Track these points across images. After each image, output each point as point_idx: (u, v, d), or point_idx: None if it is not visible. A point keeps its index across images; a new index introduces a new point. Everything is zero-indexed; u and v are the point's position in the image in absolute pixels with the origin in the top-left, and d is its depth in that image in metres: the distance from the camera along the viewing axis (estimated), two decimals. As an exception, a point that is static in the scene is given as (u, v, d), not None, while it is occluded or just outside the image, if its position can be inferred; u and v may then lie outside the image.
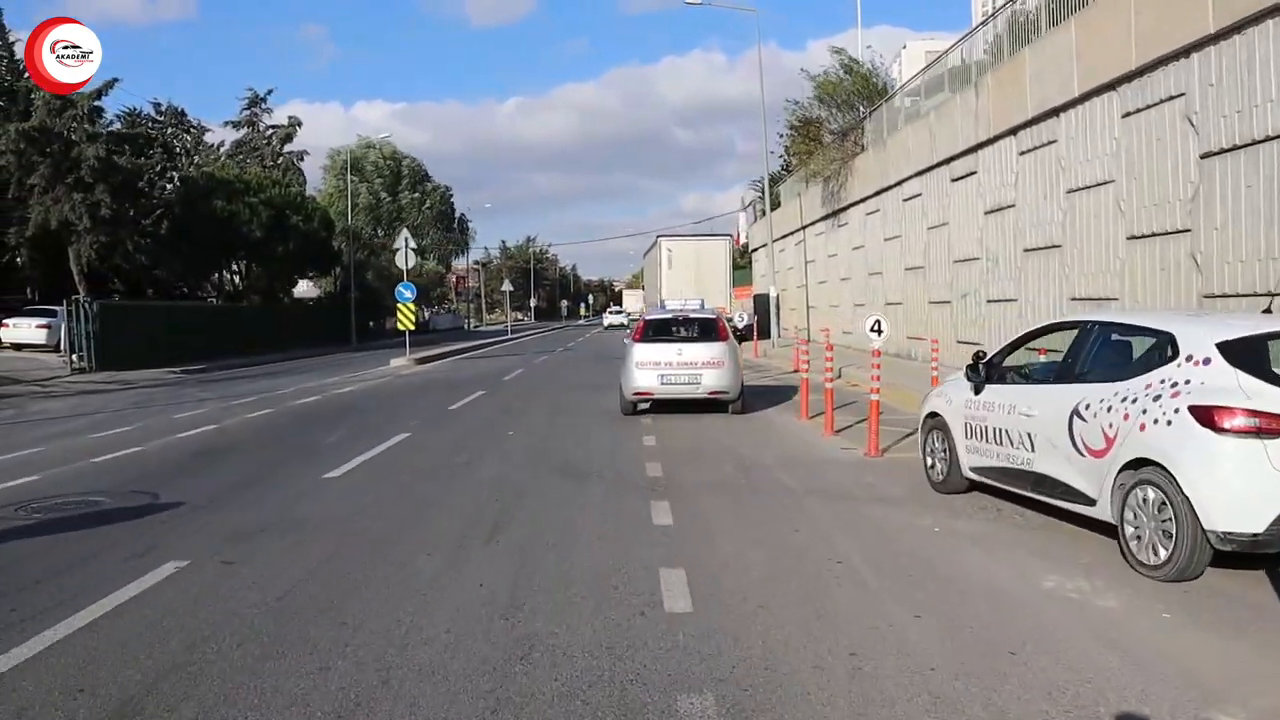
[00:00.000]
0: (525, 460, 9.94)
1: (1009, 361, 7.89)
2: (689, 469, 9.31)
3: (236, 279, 46.42)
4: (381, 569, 5.78)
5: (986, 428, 7.19)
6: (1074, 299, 14.48)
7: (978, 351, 7.46)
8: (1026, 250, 16.14)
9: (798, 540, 6.41)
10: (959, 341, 19.37)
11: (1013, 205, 16.64)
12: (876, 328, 10.19)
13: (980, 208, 18.08)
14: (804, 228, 34.56)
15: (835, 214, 29.54)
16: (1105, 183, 13.41)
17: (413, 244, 28.12)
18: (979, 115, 17.64)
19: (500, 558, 5.99)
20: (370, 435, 11.90)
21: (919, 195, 21.77)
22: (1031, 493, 6.64)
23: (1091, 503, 5.95)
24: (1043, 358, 9.91)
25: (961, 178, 19.01)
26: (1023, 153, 16.10)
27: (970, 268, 18.78)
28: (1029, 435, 6.60)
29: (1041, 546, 6.17)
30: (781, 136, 48.39)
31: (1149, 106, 12.16)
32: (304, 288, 63.02)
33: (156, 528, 6.99)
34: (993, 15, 17.59)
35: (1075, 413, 6.10)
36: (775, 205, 35.07)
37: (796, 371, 22.69)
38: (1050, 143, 15.02)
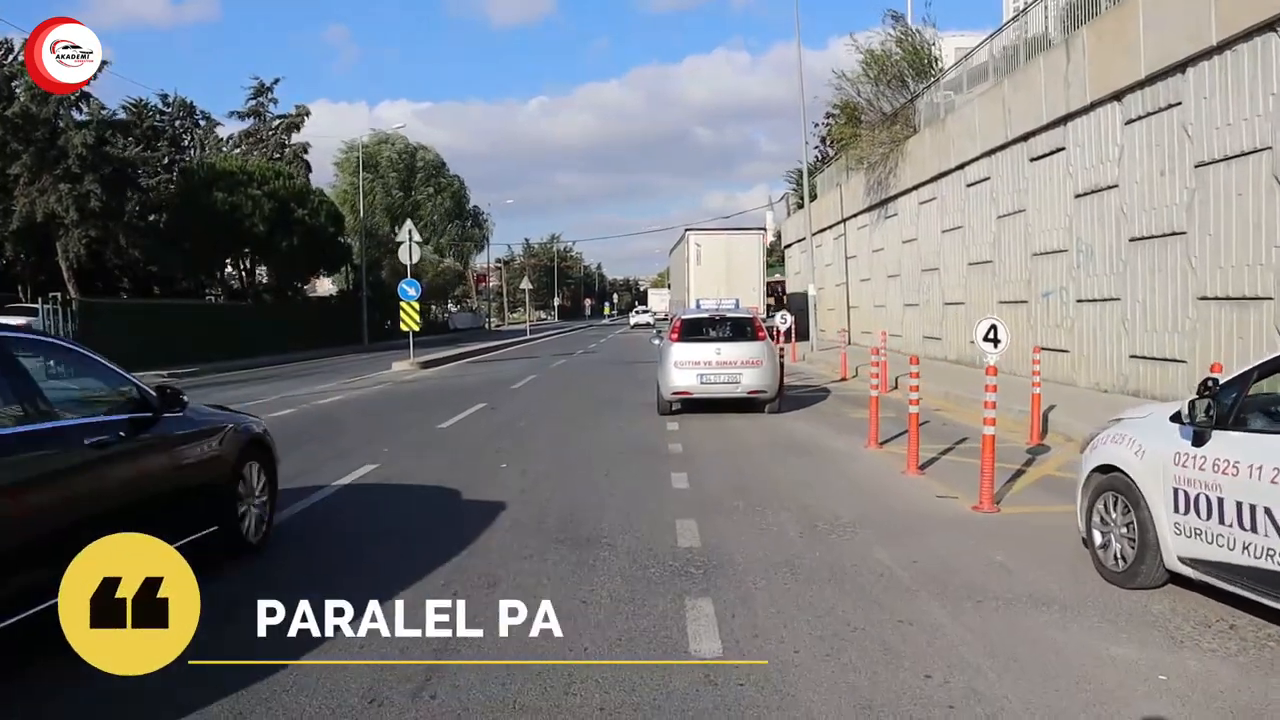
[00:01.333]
0: (513, 514, 7.38)
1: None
2: (736, 530, 6.73)
3: (246, 275, 44.44)
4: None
5: (1221, 500, 4.53)
6: (1203, 298, 11.73)
7: (1207, 379, 4.75)
8: (1134, 240, 13.37)
9: (939, 703, 3.80)
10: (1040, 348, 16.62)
11: (1114, 186, 13.87)
12: (992, 336, 7.48)
13: (1069, 190, 15.31)
14: (844, 220, 31.80)
15: (882, 204, 26.75)
16: (1255, 151, 10.65)
17: (417, 237, 25.68)
18: (1070, 80, 14.86)
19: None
20: (325, 469, 9.40)
21: (987, 179, 18.99)
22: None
23: None
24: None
25: (1044, 156, 16.24)
26: (1130, 121, 13.33)
27: (1054, 261, 16.01)
28: (1323, 523, 3.94)
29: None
30: (817, 126, 45.74)
31: (1330, 48, 9.41)
32: (327, 285, 60.99)
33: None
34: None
35: None
36: (812, 197, 32.30)
37: (843, 380, 20.07)
38: (1172, 106, 12.25)
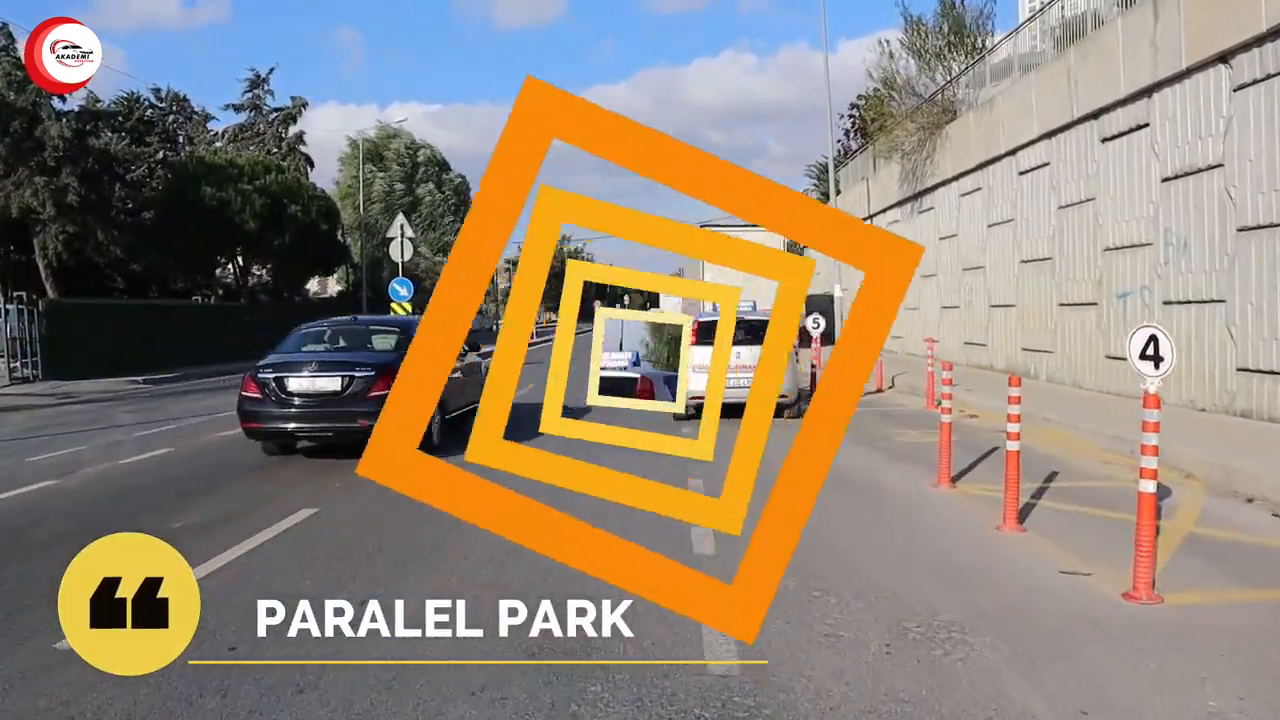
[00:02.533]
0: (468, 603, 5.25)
1: None
2: (790, 635, 4.61)
3: (240, 275, 42.59)
4: None
5: None
6: (1347, 299, 9.53)
7: None
8: (1244, 229, 11.16)
9: None
10: (1109, 357, 14.48)
11: (1217, 165, 11.67)
12: (1153, 352, 5.31)
13: (1154, 173, 13.10)
14: (872, 217, 29.57)
15: (916, 197, 24.55)
16: None
17: (409, 232, 23.65)
18: (1159, 43, 12.66)
19: None
20: (262, 509, 7.33)
21: (1045, 165, 16.79)
22: None
23: None
24: None
25: (1121, 135, 14.03)
26: (1241, 87, 11.12)
27: (1134, 257, 13.80)
28: None
29: None
30: (842, 117, 43.51)
31: None
32: (334, 286, 59.09)
33: None
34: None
35: None
36: (836, 192, 30.14)
37: (880, 392, 17.87)
38: (1303, 64, 10.06)
